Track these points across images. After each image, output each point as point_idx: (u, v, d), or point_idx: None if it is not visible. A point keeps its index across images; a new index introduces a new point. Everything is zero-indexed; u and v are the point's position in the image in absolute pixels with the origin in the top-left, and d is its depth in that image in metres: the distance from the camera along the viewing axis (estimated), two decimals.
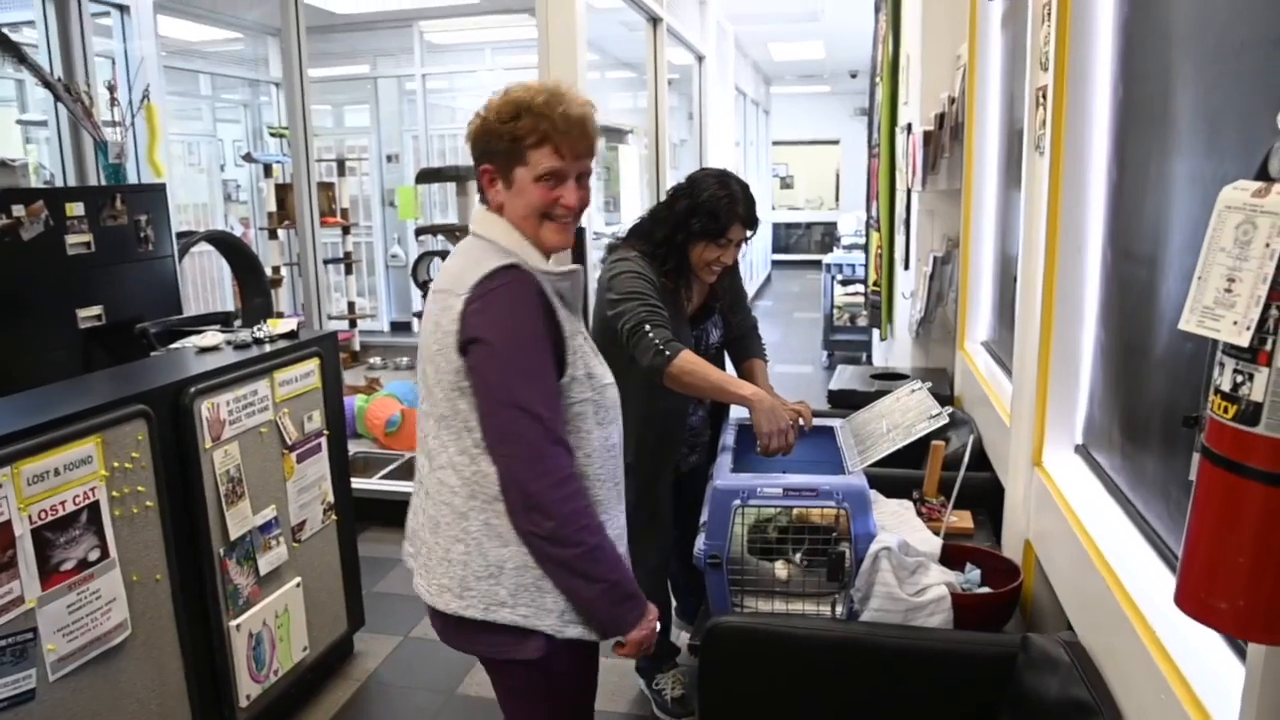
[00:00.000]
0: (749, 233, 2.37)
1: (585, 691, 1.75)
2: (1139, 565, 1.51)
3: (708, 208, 2.29)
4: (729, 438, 2.28)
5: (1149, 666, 1.26)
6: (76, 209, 3.47)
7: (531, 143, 1.50)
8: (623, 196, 8.76)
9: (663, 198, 2.47)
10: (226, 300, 7.11)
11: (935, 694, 1.70)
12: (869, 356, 6.75)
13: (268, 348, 2.66)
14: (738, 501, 1.89)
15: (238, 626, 2.41)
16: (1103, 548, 1.59)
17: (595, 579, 1.50)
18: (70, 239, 3.43)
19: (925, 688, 1.71)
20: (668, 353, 2.16)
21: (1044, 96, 1.97)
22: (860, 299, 6.86)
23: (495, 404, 1.46)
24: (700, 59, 7.24)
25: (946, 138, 3.31)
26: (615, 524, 1.61)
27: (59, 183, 4.13)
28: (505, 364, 1.45)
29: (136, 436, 2.10)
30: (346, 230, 7.86)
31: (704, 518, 1.97)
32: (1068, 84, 1.86)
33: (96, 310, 3.55)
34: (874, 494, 2.29)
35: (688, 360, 2.17)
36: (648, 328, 2.19)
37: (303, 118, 4.06)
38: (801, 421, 2.21)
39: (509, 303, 1.47)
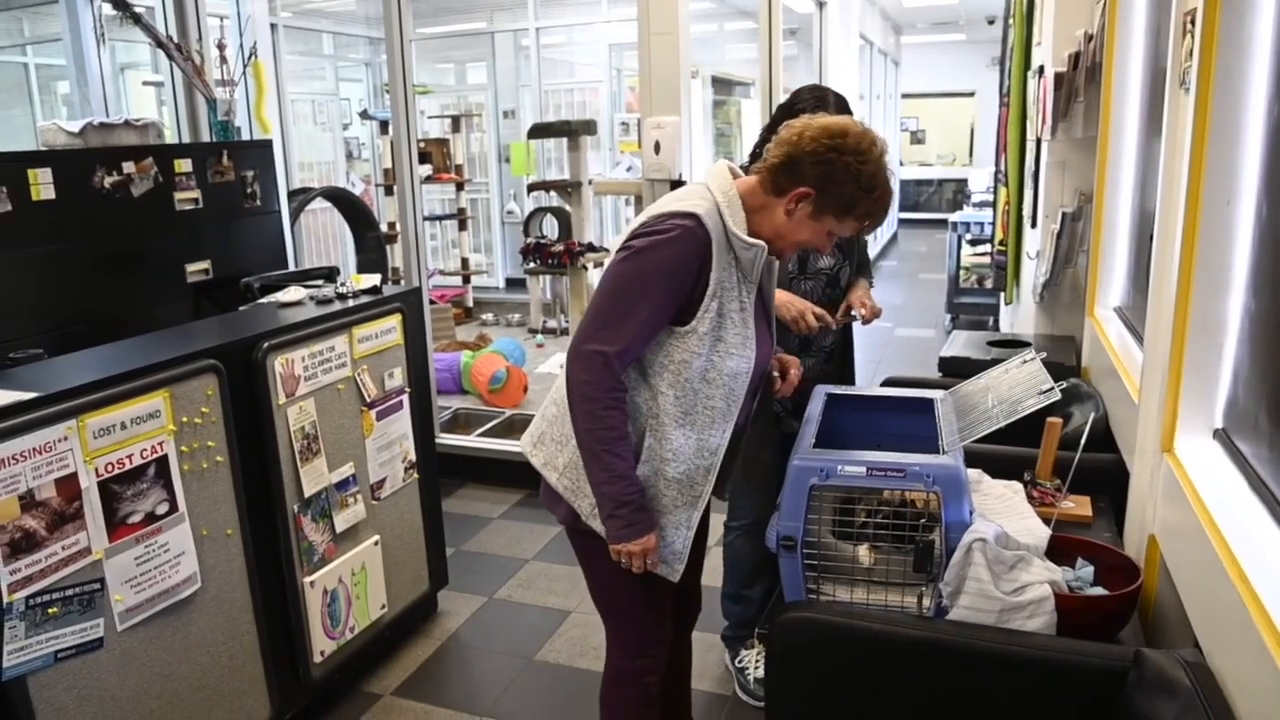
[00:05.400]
0: None
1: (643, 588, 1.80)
2: None
3: (796, 108, 2.27)
4: (815, 407, 2.10)
5: None
6: (185, 165, 3.53)
7: (860, 213, 1.64)
8: (742, 155, 8.51)
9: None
10: (348, 255, 7.27)
11: (1028, 709, 1.50)
12: (996, 321, 6.35)
13: (350, 303, 2.63)
14: (815, 480, 1.72)
15: (312, 583, 2.40)
16: (1240, 554, 1.35)
17: (592, 477, 1.66)
18: (179, 195, 3.50)
19: (1017, 700, 1.51)
20: None
21: (1192, 22, 1.69)
22: (988, 259, 6.43)
23: (595, 298, 1.66)
24: (821, 5, 6.87)
25: (1081, 79, 2.97)
26: (682, 454, 1.70)
27: (172, 140, 4.23)
28: (624, 278, 1.61)
29: (206, 391, 2.08)
30: (460, 186, 7.91)
31: (780, 497, 1.81)
32: (1222, 3, 1.57)
33: (204, 265, 3.63)
34: (979, 474, 2.08)
35: None
36: None
37: (402, 74, 4.02)
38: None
39: (668, 241, 1.60)
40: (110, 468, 1.87)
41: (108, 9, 4.24)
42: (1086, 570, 1.72)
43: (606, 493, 1.65)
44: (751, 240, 1.65)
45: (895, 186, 1.66)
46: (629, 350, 1.62)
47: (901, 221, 13.63)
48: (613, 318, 1.60)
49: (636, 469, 1.68)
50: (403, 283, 4.24)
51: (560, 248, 5.60)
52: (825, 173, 1.59)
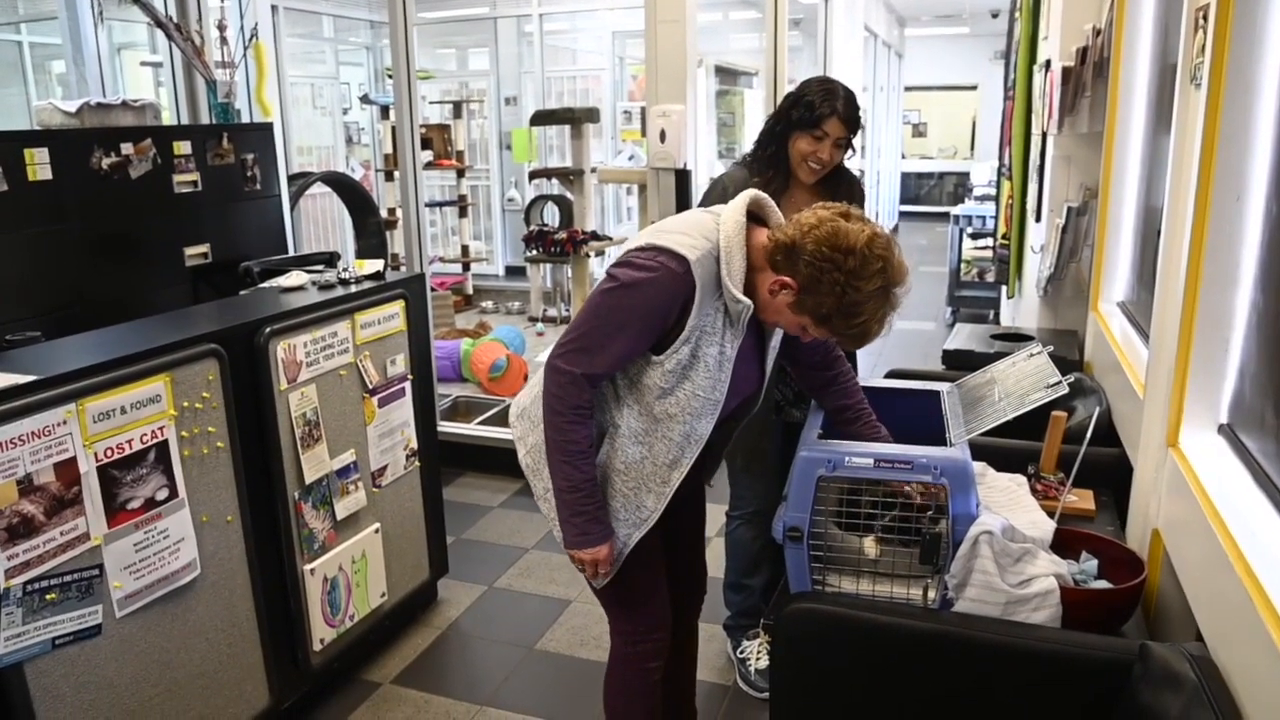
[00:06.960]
0: (849, 134, 2.30)
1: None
2: None
3: (805, 100, 2.29)
4: None
5: None
6: (184, 148, 3.51)
7: (834, 329, 1.59)
8: (745, 145, 8.47)
9: None
10: (347, 241, 7.24)
11: (1033, 701, 1.50)
12: (996, 315, 6.35)
13: (352, 289, 2.61)
14: (823, 471, 1.72)
15: (312, 570, 2.40)
16: (1245, 548, 1.35)
17: (555, 483, 1.69)
18: (178, 178, 3.48)
19: (1022, 693, 1.51)
20: None
21: (1204, 18, 1.68)
22: (989, 253, 6.43)
23: (578, 317, 1.67)
24: None
25: (1088, 74, 2.96)
26: (633, 469, 1.72)
27: (170, 122, 4.19)
28: (604, 309, 1.62)
29: (207, 376, 2.07)
30: (461, 173, 7.88)
31: (787, 488, 1.81)
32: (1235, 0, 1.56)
33: (203, 249, 3.61)
34: (984, 467, 2.08)
35: None
36: None
37: (405, 58, 3.99)
38: None
39: (650, 281, 1.59)
40: (110, 452, 1.86)
41: None
42: (1091, 564, 1.72)
43: (565, 500, 1.69)
44: (741, 297, 1.62)
45: (888, 324, 1.61)
46: (599, 375, 1.66)
47: (902, 214, 13.62)
48: (588, 344, 1.63)
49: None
50: (404, 269, 4.22)
51: (563, 236, 5.57)
52: (813, 276, 1.55)
